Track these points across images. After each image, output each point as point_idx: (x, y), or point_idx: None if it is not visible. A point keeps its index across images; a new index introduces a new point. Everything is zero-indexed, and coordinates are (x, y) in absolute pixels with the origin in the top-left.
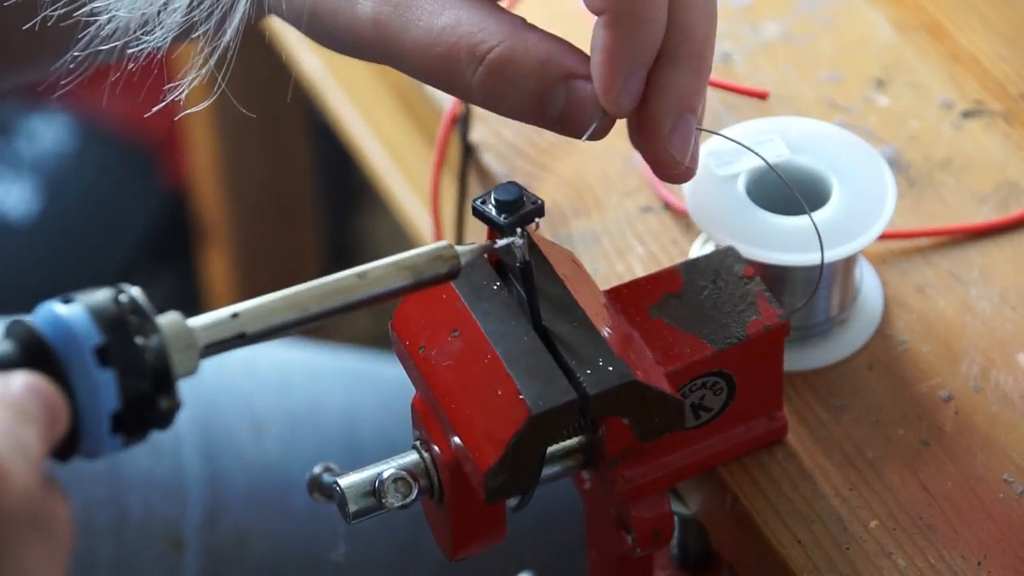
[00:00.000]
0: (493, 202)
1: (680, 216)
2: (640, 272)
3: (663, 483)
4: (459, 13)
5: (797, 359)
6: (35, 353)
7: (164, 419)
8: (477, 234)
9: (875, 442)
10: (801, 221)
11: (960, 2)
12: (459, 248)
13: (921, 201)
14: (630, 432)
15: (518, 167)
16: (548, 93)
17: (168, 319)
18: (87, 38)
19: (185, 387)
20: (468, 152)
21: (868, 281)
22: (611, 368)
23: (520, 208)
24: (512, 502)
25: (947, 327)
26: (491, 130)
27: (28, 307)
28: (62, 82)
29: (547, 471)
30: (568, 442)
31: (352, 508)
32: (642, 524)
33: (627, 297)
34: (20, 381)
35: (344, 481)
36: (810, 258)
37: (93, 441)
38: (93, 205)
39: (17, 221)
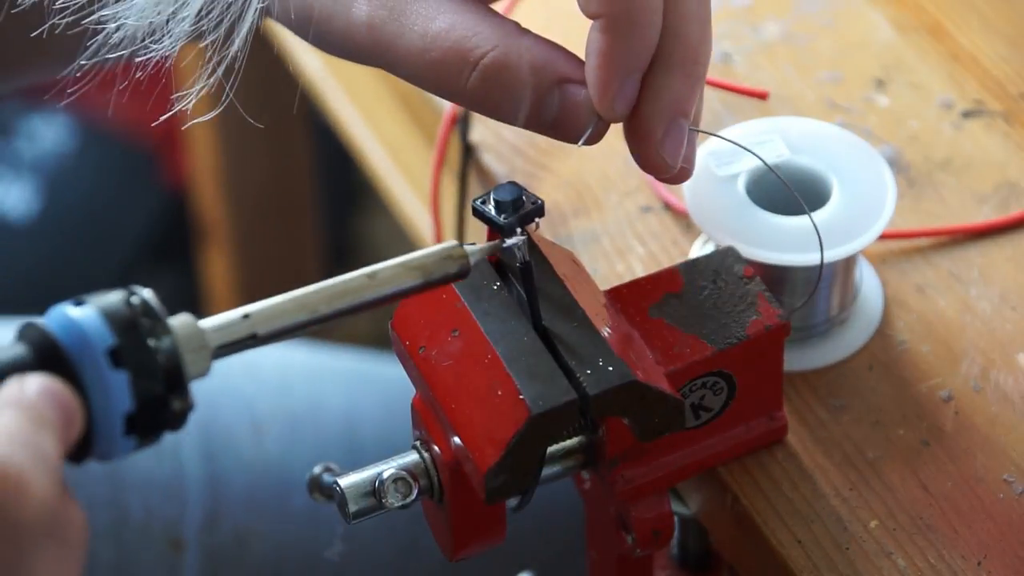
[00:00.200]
0: (493, 202)
1: (680, 216)
2: (640, 272)
3: (663, 483)
4: (453, 18)
5: (797, 359)
6: (48, 356)
7: (177, 420)
8: (477, 234)
9: (875, 442)
10: (801, 221)
11: (960, 2)
12: (467, 248)
13: (921, 201)
14: (630, 432)
15: (518, 167)
16: (542, 98)
17: (180, 321)
18: (95, 46)
19: None
20: (468, 152)
21: (868, 281)
22: (611, 368)
23: (520, 208)
24: (512, 502)
25: (947, 327)
26: (491, 130)
27: (28, 307)
28: (69, 89)
29: (547, 471)
30: (568, 442)
31: (352, 508)
32: (642, 524)
33: (627, 297)
34: (35, 384)
35: (344, 481)
36: (810, 258)
37: (106, 443)
38: (93, 205)
39: (17, 221)
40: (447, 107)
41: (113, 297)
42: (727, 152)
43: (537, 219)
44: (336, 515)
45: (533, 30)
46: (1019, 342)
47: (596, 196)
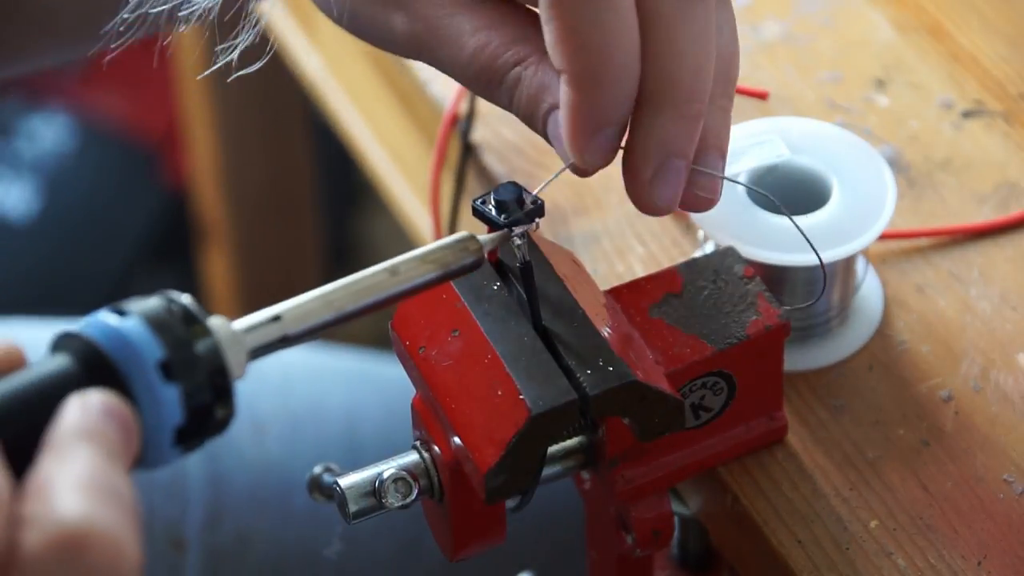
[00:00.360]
0: (493, 202)
1: (680, 216)
2: (640, 272)
3: (663, 483)
4: (490, 35)
5: (797, 359)
6: (97, 369)
7: (220, 427)
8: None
9: (875, 442)
10: (801, 222)
11: (960, 2)
12: (481, 238)
13: (921, 201)
14: (630, 432)
15: (518, 167)
16: (538, 123)
17: (219, 325)
18: (136, 1)
19: None
20: (467, 152)
21: (868, 281)
22: (611, 368)
23: (520, 207)
24: (512, 502)
25: (947, 327)
26: (491, 130)
27: (28, 307)
28: (111, 46)
29: (547, 471)
30: (568, 442)
31: (352, 508)
32: (642, 524)
33: (627, 297)
34: (97, 405)
35: (344, 481)
36: (810, 258)
37: (155, 456)
38: (93, 205)
39: (17, 221)
40: (447, 107)
41: (154, 305)
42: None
43: (537, 219)
44: (337, 515)
45: None
46: (1019, 342)
47: (596, 196)
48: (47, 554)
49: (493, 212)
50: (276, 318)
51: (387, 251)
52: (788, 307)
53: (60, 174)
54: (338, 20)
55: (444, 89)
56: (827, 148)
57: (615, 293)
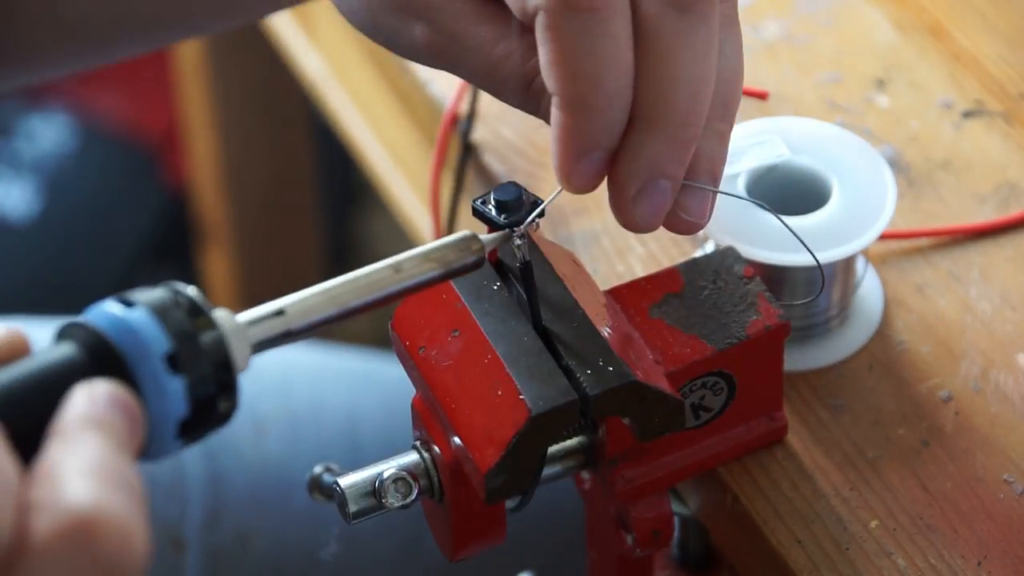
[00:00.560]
0: (493, 202)
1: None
2: (640, 272)
3: (663, 483)
4: (511, 44)
5: (797, 359)
6: (103, 358)
7: (223, 420)
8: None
9: (875, 442)
10: (801, 222)
11: (961, 2)
12: (482, 237)
13: (921, 201)
14: (630, 432)
15: (518, 167)
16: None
17: (224, 318)
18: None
19: None
20: (467, 151)
21: (868, 281)
22: (611, 368)
23: (520, 207)
24: (511, 502)
25: (947, 327)
26: (491, 130)
27: (28, 307)
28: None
29: (547, 471)
30: (568, 442)
31: (352, 508)
32: (642, 524)
33: (627, 297)
34: (104, 394)
35: (344, 481)
36: (810, 258)
37: (158, 447)
38: (93, 205)
39: (17, 221)
40: (447, 107)
41: (160, 296)
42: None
43: (537, 219)
44: (337, 515)
45: None
46: (1019, 342)
47: (596, 196)
48: (57, 539)
49: (493, 212)
50: (280, 312)
51: (387, 251)
52: (788, 305)
53: (60, 174)
54: (360, 27)
55: (444, 89)
56: (827, 148)
57: (615, 293)
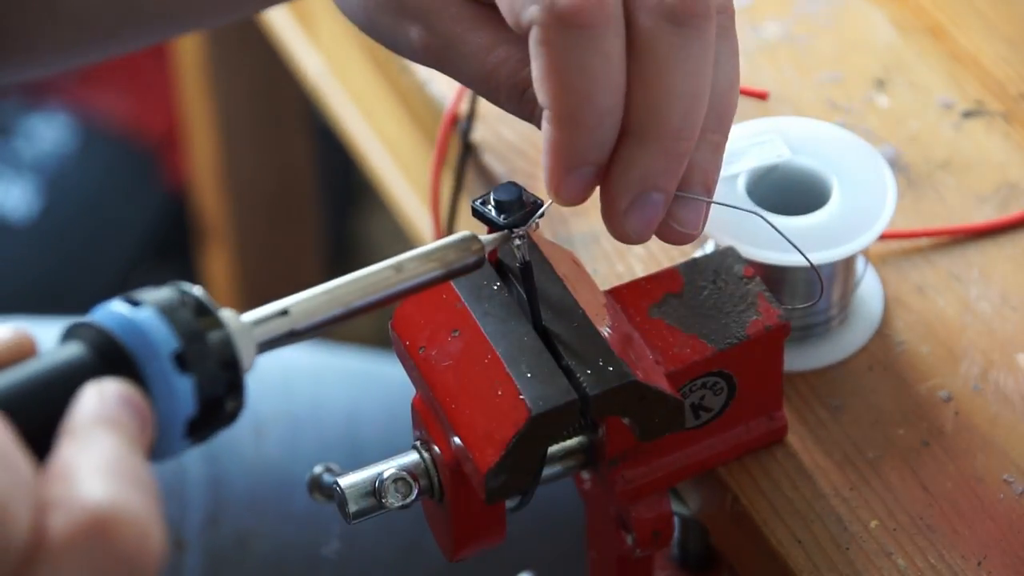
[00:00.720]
0: (493, 202)
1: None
2: (640, 272)
3: (663, 483)
4: (509, 50)
5: (797, 359)
6: (111, 358)
7: (230, 419)
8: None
9: (875, 442)
10: (801, 222)
11: (960, 2)
12: (482, 238)
13: (921, 201)
14: (630, 432)
15: (518, 167)
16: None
17: (229, 317)
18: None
19: None
20: (467, 151)
21: (868, 281)
22: (611, 368)
23: (520, 208)
24: (511, 502)
25: (947, 327)
26: (491, 130)
27: (28, 307)
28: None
29: (547, 471)
30: (568, 442)
31: (352, 508)
32: (642, 524)
33: (627, 297)
34: (114, 393)
35: (344, 481)
36: (810, 258)
37: (166, 446)
38: (93, 205)
39: (17, 221)
40: (447, 107)
41: (167, 295)
42: (727, 153)
43: (537, 219)
44: (337, 515)
45: None
46: (1019, 342)
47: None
48: (75, 538)
49: (493, 212)
50: (284, 312)
51: (387, 251)
52: (788, 307)
53: (60, 174)
54: (361, 26)
55: (444, 89)
56: (827, 148)
57: (615, 293)
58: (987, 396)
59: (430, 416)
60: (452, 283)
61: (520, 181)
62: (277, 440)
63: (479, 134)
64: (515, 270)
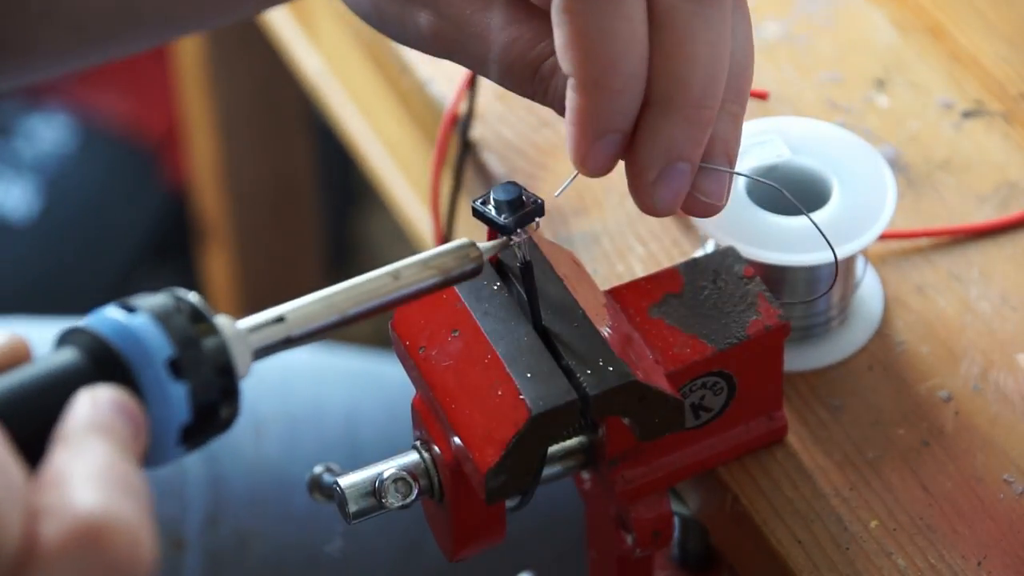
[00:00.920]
0: (493, 202)
1: (681, 216)
2: (640, 272)
3: (663, 483)
4: (520, 29)
5: (797, 359)
6: (105, 364)
7: (224, 426)
8: (467, 227)
9: (875, 442)
10: (801, 221)
11: (960, 2)
12: (481, 245)
13: (921, 201)
14: (630, 432)
15: (518, 167)
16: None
17: (225, 324)
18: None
19: None
20: (466, 150)
21: (868, 281)
22: (611, 368)
23: (520, 207)
24: (511, 502)
25: (947, 327)
26: (491, 130)
27: (28, 307)
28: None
29: (547, 471)
30: (568, 442)
31: (352, 508)
32: (642, 524)
33: (627, 297)
34: (107, 399)
35: (344, 481)
36: (810, 258)
37: (160, 454)
38: (93, 205)
39: (17, 221)
40: (447, 107)
41: (162, 301)
42: None
43: (537, 219)
44: (337, 516)
45: None
46: (1019, 342)
47: (596, 196)
48: (67, 546)
49: (493, 212)
50: (280, 319)
51: (387, 251)
52: (788, 304)
53: (60, 174)
54: (366, 18)
55: (444, 89)
56: (827, 148)
57: (615, 293)
58: (987, 396)
59: (430, 416)
60: None
61: (520, 181)
62: (277, 440)
63: (479, 134)
64: (515, 270)
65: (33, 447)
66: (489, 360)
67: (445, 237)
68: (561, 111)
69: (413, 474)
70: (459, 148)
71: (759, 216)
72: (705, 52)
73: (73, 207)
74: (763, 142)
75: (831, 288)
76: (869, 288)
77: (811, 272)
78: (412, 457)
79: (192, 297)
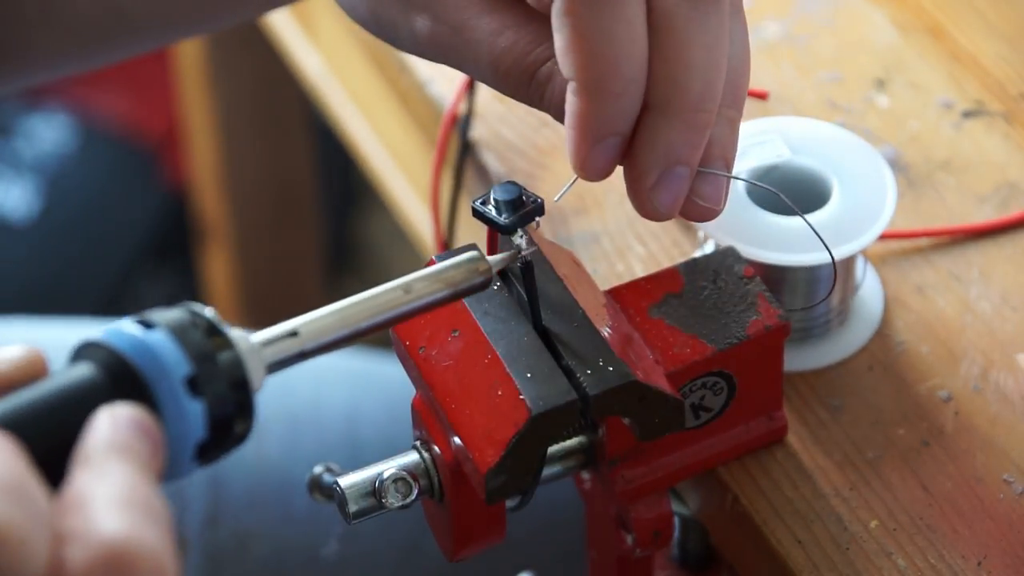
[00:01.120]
0: (493, 202)
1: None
2: (640, 272)
3: (663, 483)
4: (518, 34)
5: (797, 359)
6: (123, 381)
7: (238, 441)
8: (468, 227)
9: (875, 442)
10: (801, 221)
11: (960, 2)
12: (489, 259)
13: (921, 201)
14: (630, 432)
15: (518, 167)
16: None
17: (239, 338)
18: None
19: None
20: (465, 149)
21: (868, 281)
22: (611, 368)
23: (520, 207)
24: (511, 502)
25: (947, 327)
26: (491, 130)
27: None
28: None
29: (547, 471)
30: (568, 442)
31: (352, 508)
32: (642, 524)
33: (627, 297)
34: (126, 419)
35: (344, 481)
36: (810, 258)
37: (175, 469)
38: (93, 205)
39: (17, 221)
40: (447, 107)
41: (178, 317)
42: None
43: (537, 219)
44: (337, 515)
45: None
46: (1019, 342)
47: (596, 196)
48: (93, 571)
49: (493, 212)
50: (294, 333)
51: (387, 251)
52: (789, 307)
53: (60, 174)
54: (363, 23)
55: (444, 89)
56: (827, 148)
57: (615, 293)
58: (987, 396)
59: (430, 416)
60: None
61: (520, 181)
62: (277, 440)
63: (479, 134)
64: (515, 270)
65: (52, 464)
66: (489, 360)
67: (445, 237)
68: (557, 116)
69: (413, 474)
70: (459, 148)
71: (759, 216)
72: (703, 56)
73: (73, 207)
74: (763, 142)
75: (830, 293)
76: (869, 288)
77: (811, 272)
78: (412, 457)
79: (207, 311)
